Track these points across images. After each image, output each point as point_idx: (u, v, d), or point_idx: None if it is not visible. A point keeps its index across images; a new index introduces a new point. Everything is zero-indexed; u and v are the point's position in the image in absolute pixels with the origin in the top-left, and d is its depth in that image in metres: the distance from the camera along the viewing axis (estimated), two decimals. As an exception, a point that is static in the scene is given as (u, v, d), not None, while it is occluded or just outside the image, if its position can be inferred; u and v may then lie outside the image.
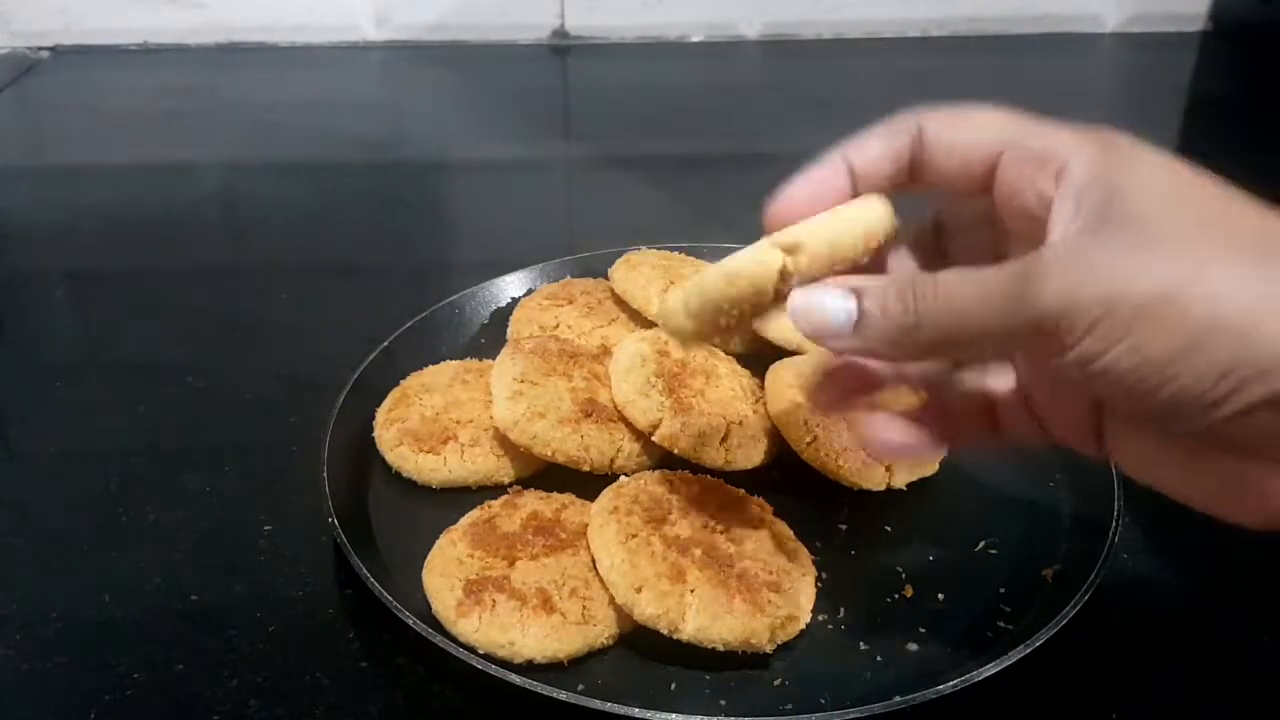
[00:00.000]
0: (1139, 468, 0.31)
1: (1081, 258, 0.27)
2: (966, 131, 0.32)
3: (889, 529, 0.47)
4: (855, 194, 0.33)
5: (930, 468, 0.49)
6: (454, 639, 0.40)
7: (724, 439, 0.48)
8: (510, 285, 0.62)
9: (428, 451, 0.48)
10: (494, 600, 0.40)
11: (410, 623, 0.39)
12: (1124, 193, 0.28)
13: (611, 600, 0.41)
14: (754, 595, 0.40)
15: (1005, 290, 0.27)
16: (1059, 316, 0.26)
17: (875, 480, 0.47)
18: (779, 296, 0.31)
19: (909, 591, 0.44)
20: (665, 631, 0.40)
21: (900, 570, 0.44)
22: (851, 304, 0.30)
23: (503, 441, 0.49)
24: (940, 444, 0.35)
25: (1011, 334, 0.27)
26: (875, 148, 0.34)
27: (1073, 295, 0.26)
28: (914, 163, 0.33)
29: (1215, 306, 0.25)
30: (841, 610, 0.43)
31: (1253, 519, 0.29)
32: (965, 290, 0.28)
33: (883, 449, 0.35)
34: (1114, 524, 0.43)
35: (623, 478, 0.46)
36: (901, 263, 0.34)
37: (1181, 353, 0.26)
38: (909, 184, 0.33)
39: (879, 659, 0.41)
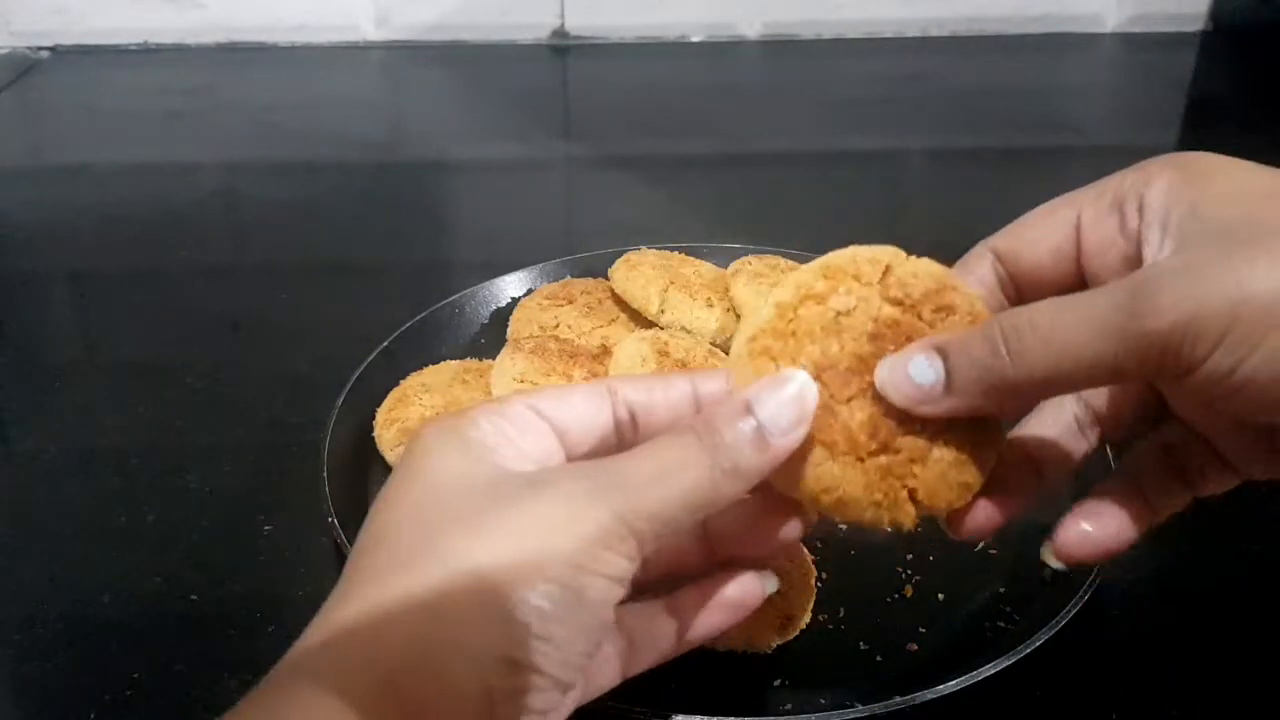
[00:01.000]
0: None
1: (1191, 269, 0.25)
2: (1035, 224, 0.30)
3: (889, 529, 0.47)
4: None
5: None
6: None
7: (724, 439, 0.48)
8: (510, 285, 0.62)
9: (428, 452, 0.48)
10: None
11: (410, 623, 0.39)
12: (1209, 204, 0.27)
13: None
14: (754, 595, 0.40)
15: (1112, 313, 0.25)
16: (1182, 332, 0.24)
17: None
18: None
19: (909, 591, 0.44)
20: (665, 631, 0.39)
21: (900, 570, 0.44)
22: (937, 363, 0.28)
23: (503, 441, 0.49)
24: (1142, 524, 0.31)
25: (1124, 361, 0.25)
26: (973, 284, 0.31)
27: (1193, 308, 0.24)
28: (1006, 282, 0.31)
29: None
30: (841, 610, 0.43)
31: None
32: (1065, 320, 0.26)
33: (1093, 550, 0.31)
34: (1114, 524, 0.43)
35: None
36: None
37: None
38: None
39: (879, 659, 0.41)
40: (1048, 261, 0.30)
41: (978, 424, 0.29)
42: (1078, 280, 0.29)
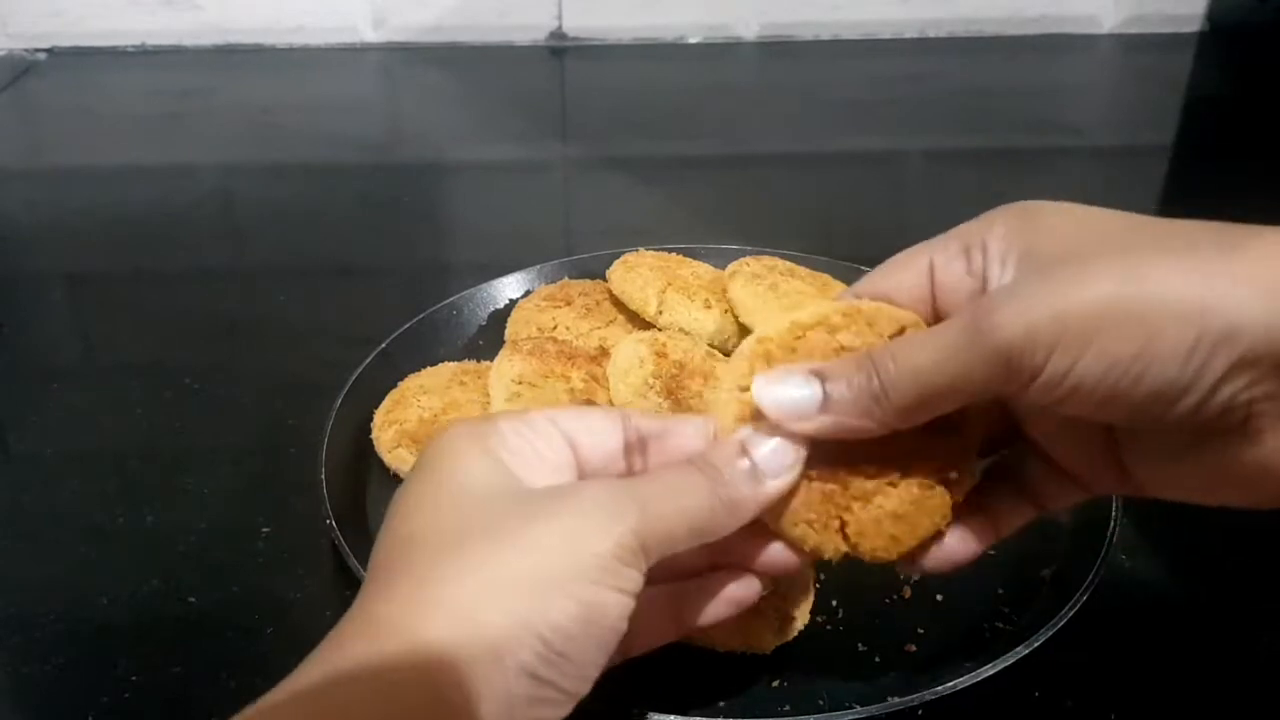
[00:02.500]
0: (1166, 486, 0.31)
1: (1024, 288, 0.28)
2: (893, 271, 0.34)
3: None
4: None
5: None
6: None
7: (722, 440, 0.48)
8: (508, 287, 0.62)
9: (426, 453, 0.48)
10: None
11: (409, 624, 0.39)
12: (1042, 242, 0.30)
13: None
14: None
15: (959, 335, 0.28)
16: (1021, 342, 0.27)
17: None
18: None
19: (907, 592, 0.43)
20: (664, 633, 0.39)
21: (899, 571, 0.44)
22: (815, 387, 0.30)
23: (501, 443, 0.49)
24: (986, 541, 0.35)
25: (976, 376, 0.28)
26: None
27: (1025, 320, 0.27)
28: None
29: (1163, 294, 0.27)
30: (840, 611, 0.43)
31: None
32: (922, 347, 0.29)
33: (944, 563, 0.34)
34: (1112, 524, 0.43)
35: (621, 479, 0.46)
36: None
37: (1145, 345, 0.26)
38: None
39: (877, 660, 0.41)
40: (906, 303, 0.33)
41: (929, 490, 0.32)
42: (935, 318, 0.32)
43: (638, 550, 0.28)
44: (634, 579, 0.28)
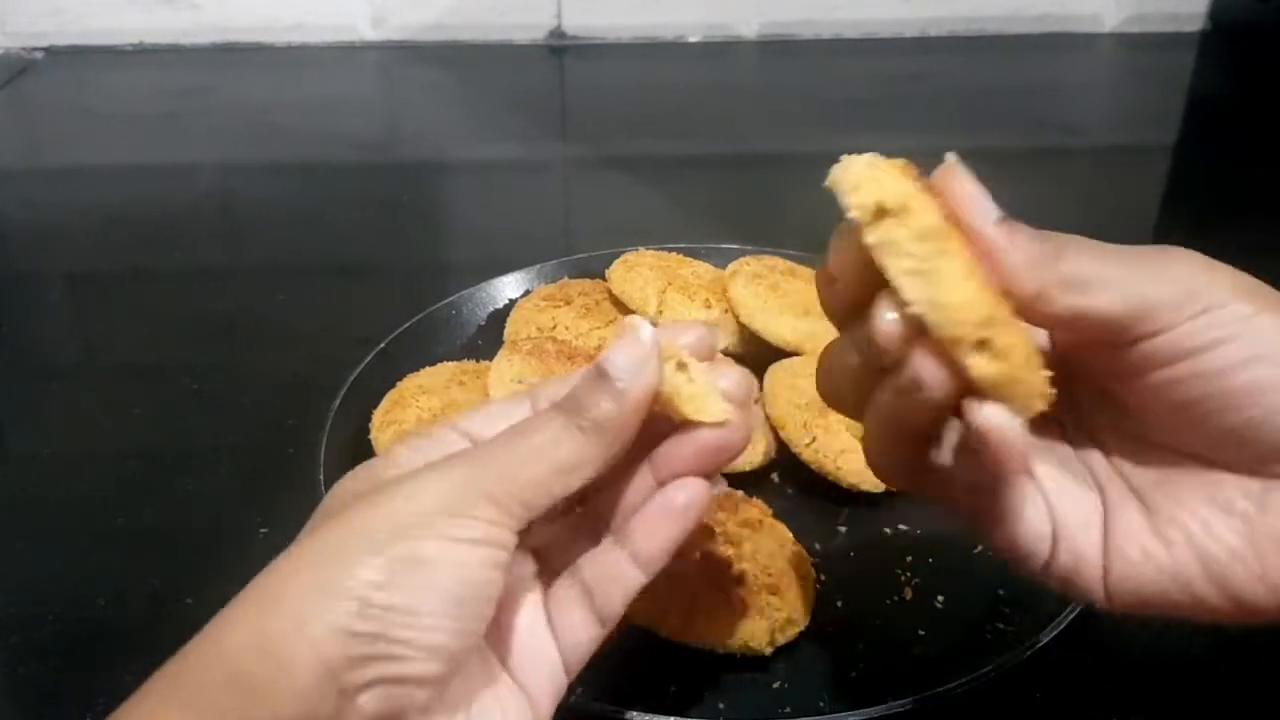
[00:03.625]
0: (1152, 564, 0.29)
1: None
2: None
3: (888, 530, 0.47)
4: None
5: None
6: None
7: (722, 440, 0.48)
8: (507, 286, 0.62)
9: (425, 453, 0.48)
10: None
11: (408, 625, 0.39)
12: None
13: (610, 602, 0.40)
14: (753, 597, 0.40)
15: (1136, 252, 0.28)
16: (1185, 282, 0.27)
17: (874, 482, 0.47)
18: None
19: (908, 593, 0.43)
20: (664, 634, 0.39)
21: (899, 572, 0.44)
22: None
23: (500, 443, 0.48)
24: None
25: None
26: None
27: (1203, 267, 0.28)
28: None
29: None
30: (840, 612, 0.43)
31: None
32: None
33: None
34: (1114, 524, 0.43)
35: (621, 479, 0.46)
36: None
37: None
38: None
39: (879, 660, 0.40)
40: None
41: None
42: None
43: (477, 501, 0.27)
44: (472, 528, 0.27)
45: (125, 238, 0.76)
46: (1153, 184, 0.85)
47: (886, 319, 0.27)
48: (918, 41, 1.11)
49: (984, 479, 0.29)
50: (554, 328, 0.57)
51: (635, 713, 0.37)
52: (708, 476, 0.31)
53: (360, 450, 0.50)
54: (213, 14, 1.06)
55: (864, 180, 0.27)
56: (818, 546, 0.45)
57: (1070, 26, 1.12)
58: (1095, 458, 0.31)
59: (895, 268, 0.26)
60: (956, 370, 0.26)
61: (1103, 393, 0.30)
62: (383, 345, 0.55)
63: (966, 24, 1.11)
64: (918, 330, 0.26)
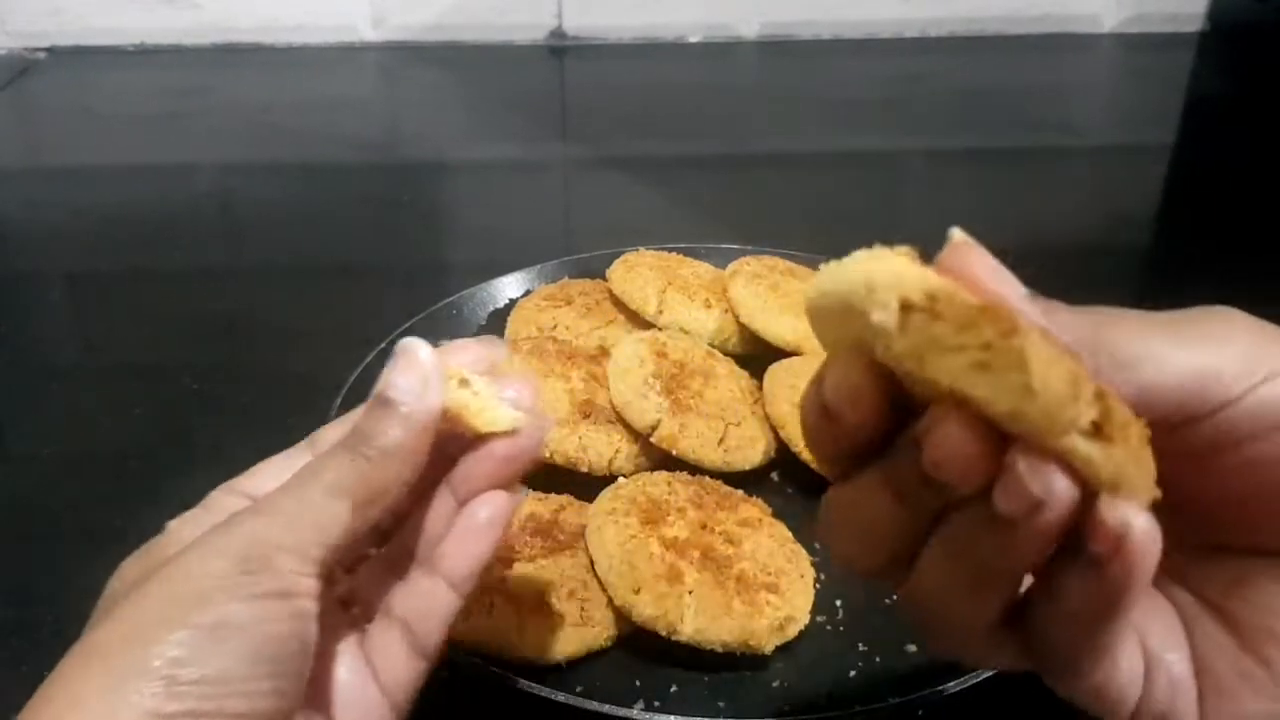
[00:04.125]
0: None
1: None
2: None
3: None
4: None
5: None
6: (452, 640, 0.39)
7: (722, 440, 0.48)
8: (508, 286, 0.62)
9: (425, 453, 0.48)
10: (492, 602, 0.40)
11: (408, 624, 0.39)
12: None
13: (609, 602, 0.41)
14: (752, 596, 0.40)
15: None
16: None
17: (874, 481, 0.47)
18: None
19: (908, 592, 0.43)
20: (663, 633, 0.39)
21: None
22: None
23: (501, 442, 0.48)
24: None
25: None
26: None
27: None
28: None
29: None
30: (840, 611, 0.43)
31: None
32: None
33: None
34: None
35: (621, 479, 0.46)
36: None
37: None
38: None
39: (877, 659, 0.40)
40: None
41: None
42: None
43: (276, 554, 0.26)
44: (273, 580, 0.26)
45: (126, 237, 0.76)
46: (1152, 184, 0.85)
47: (954, 436, 0.21)
48: (918, 42, 1.11)
49: (1090, 613, 0.23)
50: (554, 327, 0.57)
51: (635, 712, 0.37)
52: (507, 487, 0.30)
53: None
54: (214, 14, 1.06)
55: (876, 276, 0.21)
56: (817, 545, 0.45)
57: (1070, 27, 1.12)
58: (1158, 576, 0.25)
59: (952, 368, 0.20)
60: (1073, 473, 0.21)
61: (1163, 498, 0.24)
62: (383, 345, 0.55)
63: (966, 24, 1.11)
64: (994, 440, 0.21)
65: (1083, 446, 0.20)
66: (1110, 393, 0.21)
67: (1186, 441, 0.23)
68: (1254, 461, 0.23)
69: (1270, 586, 0.25)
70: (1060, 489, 0.21)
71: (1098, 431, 0.20)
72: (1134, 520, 0.21)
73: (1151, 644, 0.25)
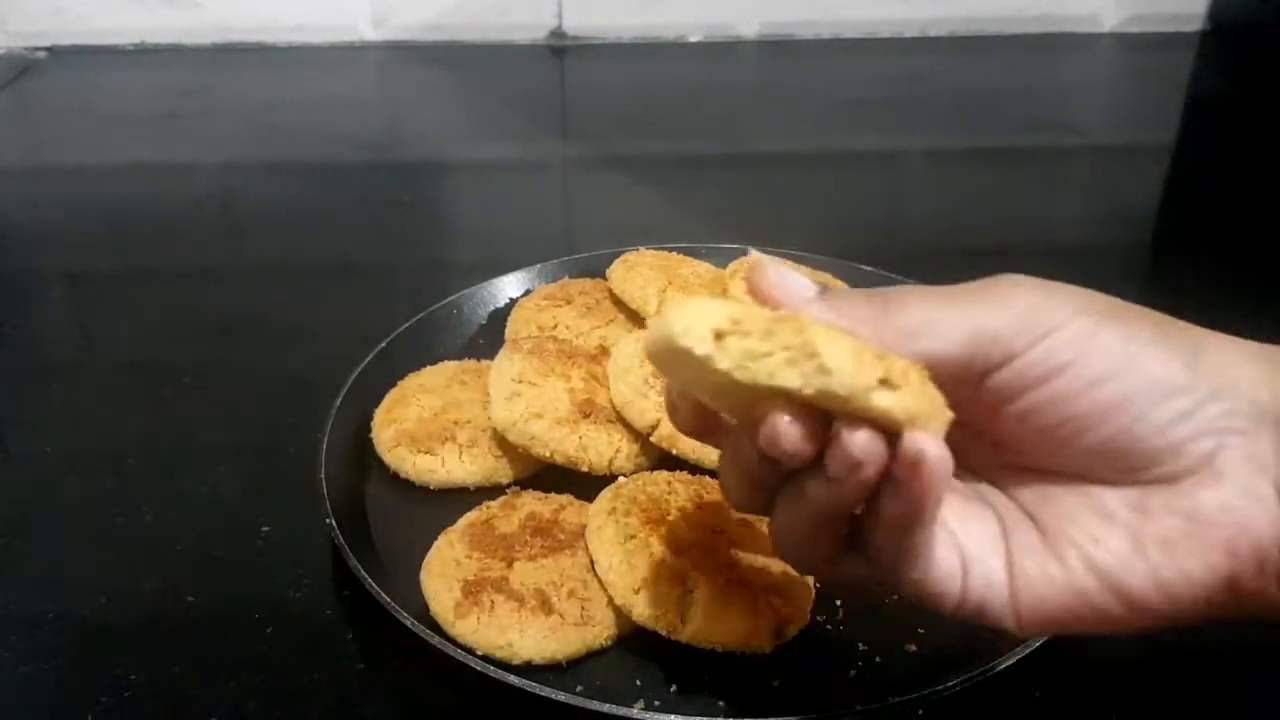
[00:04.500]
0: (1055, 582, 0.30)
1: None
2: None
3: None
4: None
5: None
6: (452, 640, 0.39)
7: (722, 439, 0.48)
8: (508, 286, 0.62)
9: (425, 452, 0.48)
10: (492, 601, 0.40)
11: (408, 624, 0.39)
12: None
13: (610, 601, 0.41)
14: (753, 596, 0.40)
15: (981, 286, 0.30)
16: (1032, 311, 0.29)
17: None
18: None
19: (908, 592, 0.43)
20: (664, 633, 0.39)
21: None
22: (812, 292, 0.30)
23: (501, 442, 0.49)
24: None
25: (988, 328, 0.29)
26: None
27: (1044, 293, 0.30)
28: None
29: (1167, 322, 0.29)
30: (840, 611, 0.43)
31: (1203, 575, 0.30)
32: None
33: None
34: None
35: (621, 478, 0.46)
36: None
37: (1156, 330, 0.29)
38: None
39: (878, 660, 0.40)
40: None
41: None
42: None
43: None
44: None
45: (126, 237, 0.76)
46: (1152, 184, 0.85)
47: (783, 424, 0.27)
48: (918, 41, 1.11)
49: (901, 523, 0.28)
50: (555, 327, 0.57)
51: (635, 712, 0.37)
52: None
53: (361, 449, 0.50)
54: (214, 14, 1.06)
55: (686, 320, 0.26)
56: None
57: (1069, 26, 1.12)
58: (983, 486, 0.32)
59: (767, 370, 0.26)
60: (881, 429, 0.26)
61: (974, 431, 0.30)
62: (383, 345, 0.55)
63: (966, 24, 1.11)
64: (813, 417, 0.27)
65: (878, 400, 0.26)
66: (887, 353, 0.27)
67: (988, 390, 0.29)
68: (1036, 406, 0.29)
69: (1067, 500, 0.30)
70: (875, 449, 0.27)
71: (887, 384, 0.26)
72: (927, 448, 0.26)
73: (970, 548, 0.30)
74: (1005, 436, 0.30)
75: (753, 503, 0.31)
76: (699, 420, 0.32)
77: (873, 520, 0.29)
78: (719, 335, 0.26)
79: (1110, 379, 0.28)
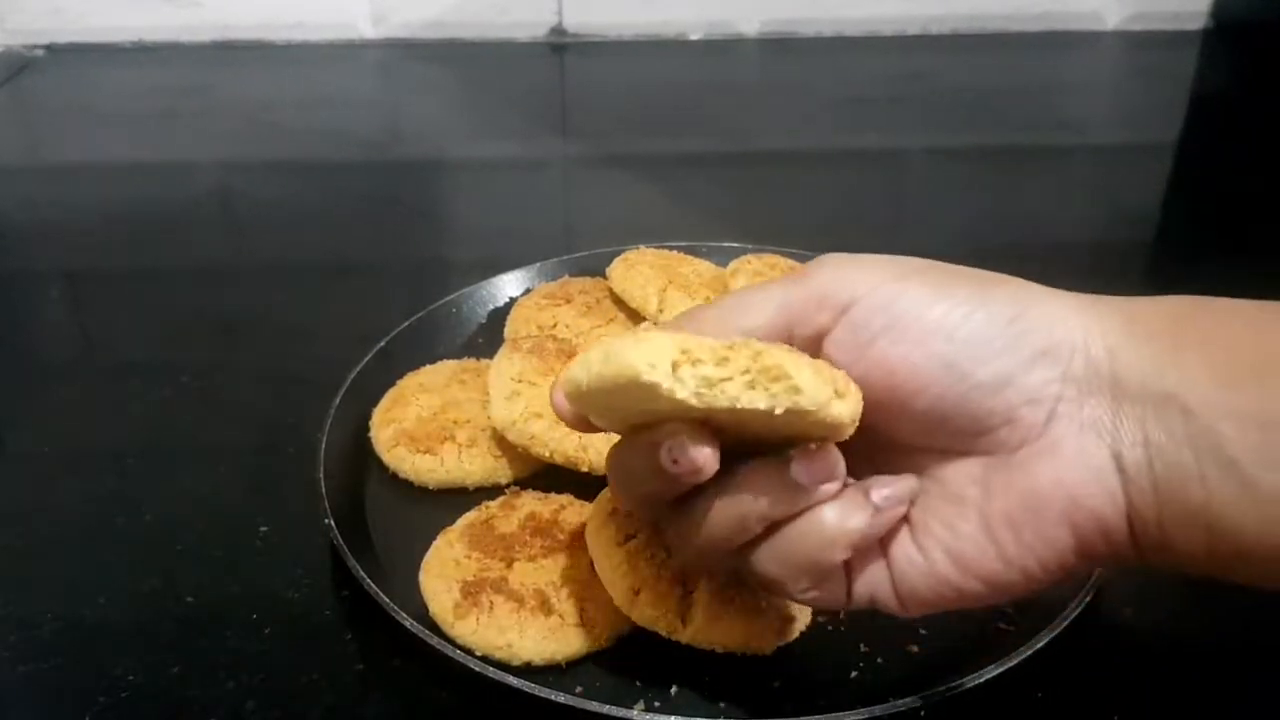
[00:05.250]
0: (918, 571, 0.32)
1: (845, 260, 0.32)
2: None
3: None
4: None
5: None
6: (451, 641, 0.39)
7: (723, 439, 0.48)
8: (508, 285, 0.62)
9: (425, 452, 0.48)
10: (491, 602, 0.40)
11: (407, 624, 0.39)
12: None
13: (610, 602, 0.40)
14: (753, 597, 0.40)
15: (780, 283, 0.32)
16: (833, 283, 0.31)
17: (875, 480, 0.47)
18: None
19: (909, 592, 0.43)
20: (664, 634, 0.39)
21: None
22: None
23: (500, 442, 0.48)
24: None
25: (792, 310, 0.32)
26: None
27: (842, 270, 0.31)
28: None
29: (993, 282, 0.30)
30: (841, 612, 0.42)
31: (1049, 551, 0.30)
32: (749, 291, 0.33)
33: None
34: (1115, 524, 0.43)
35: (621, 478, 0.46)
36: None
37: (978, 292, 0.30)
38: None
39: (879, 661, 0.40)
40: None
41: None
42: None
43: None
44: None
45: (125, 236, 0.76)
46: (1155, 182, 0.85)
47: (695, 448, 0.28)
48: (919, 39, 1.11)
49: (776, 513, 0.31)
50: (554, 326, 0.57)
51: (635, 713, 0.36)
52: None
53: (360, 449, 0.50)
54: (213, 12, 1.05)
55: (650, 355, 0.27)
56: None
57: (1072, 24, 1.12)
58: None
59: (729, 395, 0.27)
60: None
61: None
62: (383, 344, 0.55)
63: (968, 22, 1.11)
64: (712, 435, 0.29)
65: (835, 409, 0.27)
66: (823, 364, 0.28)
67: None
68: (866, 379, 0.29)
69: (929, 487, 0.31)
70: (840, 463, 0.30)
71: (838, 394, 0.28)
72: (900, 492, 0.30)
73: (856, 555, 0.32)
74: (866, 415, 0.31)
75: (644, 515, 0.33)
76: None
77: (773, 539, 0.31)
78: (674, 365, 0.27)
79: (924, 343, 0.29)
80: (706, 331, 0.30)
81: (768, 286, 0.32)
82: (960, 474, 0.30)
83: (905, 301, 0.29)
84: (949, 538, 0.31)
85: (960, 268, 0.31)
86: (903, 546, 0.32)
